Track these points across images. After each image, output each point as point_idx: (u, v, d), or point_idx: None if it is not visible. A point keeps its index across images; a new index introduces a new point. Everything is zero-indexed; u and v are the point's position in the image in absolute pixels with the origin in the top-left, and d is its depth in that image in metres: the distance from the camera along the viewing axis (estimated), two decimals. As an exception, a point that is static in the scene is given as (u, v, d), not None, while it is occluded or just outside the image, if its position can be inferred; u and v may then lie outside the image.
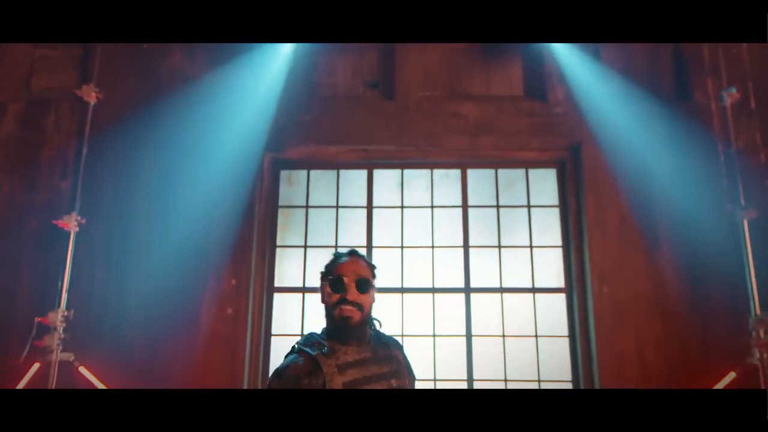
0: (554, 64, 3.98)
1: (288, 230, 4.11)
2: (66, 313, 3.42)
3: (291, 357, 1.54)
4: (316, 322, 4.00)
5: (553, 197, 4.07)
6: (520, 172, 4.13)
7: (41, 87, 4.06)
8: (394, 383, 1.55)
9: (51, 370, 3.30)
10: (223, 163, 3.81)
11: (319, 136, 3.99)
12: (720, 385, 3.28)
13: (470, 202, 4.08)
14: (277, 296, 3.97)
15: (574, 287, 3.84)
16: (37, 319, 3.35)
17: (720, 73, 3.83)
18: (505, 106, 4.01)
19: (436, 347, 3.84)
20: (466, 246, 3.99)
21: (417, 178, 4.16)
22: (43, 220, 3.72)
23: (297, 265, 4.03)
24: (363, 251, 3.94)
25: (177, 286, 3.66)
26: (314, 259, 4.04)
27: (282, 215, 4.13)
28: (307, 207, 4.13)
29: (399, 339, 3.77)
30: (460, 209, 4.07)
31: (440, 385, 3.76)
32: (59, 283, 3.50)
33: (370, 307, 1.60)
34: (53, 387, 3.28)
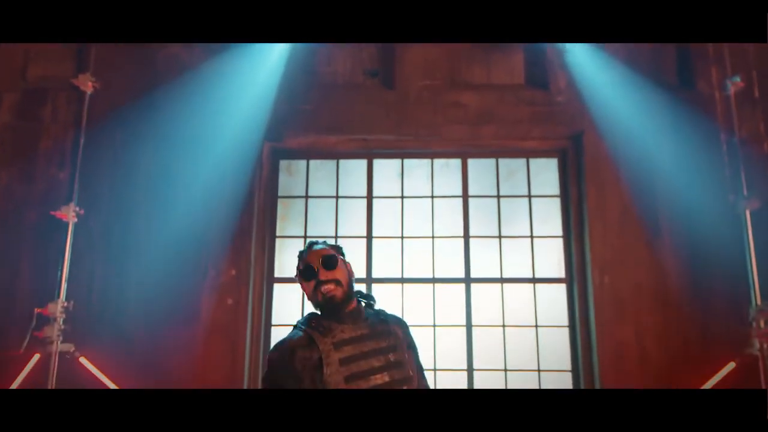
0: (556, 53, 3.93)
1: (288, 220, 4.09)
2: (65, 304, 3.42)
3: (291, 332, 1.63)
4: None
5: (554, 187, 4.05)
6: (520, 162, 4.10)
7: (37, 76, 4.01)
8: (391, 357, 1.59)
9: (51, 361, 3.30)
10: (222, 153, 3.78)
11: (318, 125, 3.95)
12: (719, 376, 3.28)
13: (471, 192, 4.05)
14: (277, 287, 3.97)
15: (575, 277, 3.83)
16: (37, 310, 3.35)
17: (724, 61, 3.78)
18: (506, 95, 3.97)
19: (436, 337, 3.84)
20: (466, 236, 3.98)
21: (417, 167, 4.13)
22: (41, 211, 3.70)
23: (297, 256, 4.01)
24: (363, 241, 3.98)
25: (177, 276, 3.66)
26: (314, 249, 4.02)
27: (281, 205, 4.11)
28: (306, 197, 4.11)
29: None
30: (461, 199, 4.05)
31: (440, 375, 3.77)
32: (58, 274, 3.49)
33: (350, 281, 1.65)
34: (54, 378, 3.29)
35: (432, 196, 4.08)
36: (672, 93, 3.81)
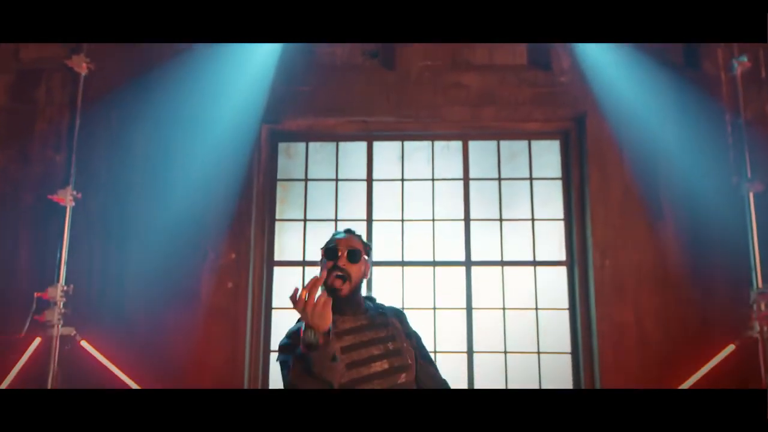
0: (559, 32, 3.85)
1: (287, 203, 4.07)
2: (65, 288, 3.41)
3: (297, 322, 1.70)
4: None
5: (555, 169, 4.01)
6: (522, 144, 4.05)
7: (31, 57, 3.94)
8: (390, 346, 1.65)
9: (52, 345, 3.31)
10: (220, 135, 3.73)
11: (317, 107, 3.90)
12: (719, 358, 3.29)
13: (472, 174, 4.02)
14: (277, 270, 3.96)
15: (576, 260, 3.82)
16: (36, 294, 3.34)
17: (731, 41, 3.71)
18: (508, 76, 3.90)
19: (436, 320, 3.85)
20: (467, 219, 3.96)
21: (417, 150, 4.09)
22: (38, 194, 3.67)
23: (297, 239, 4.01)
24: (363, 224, 3.96)
25: (176, 259, 3.65)
26: (314, 232, 4.01)
27: (281, 188, 4.08)
28: (306, 180, 4.08)
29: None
30: (461, 182, 4.01)
31: (440, 357, 3.79)
32: (57, 258, 3.48)
33: (360, 280, 1.69)
34: (55, 361, 3.30)
35: (432, 179, 4.04)
36: (677, 73, 3.75)
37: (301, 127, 4.01)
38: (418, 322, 3.71)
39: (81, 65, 3.68)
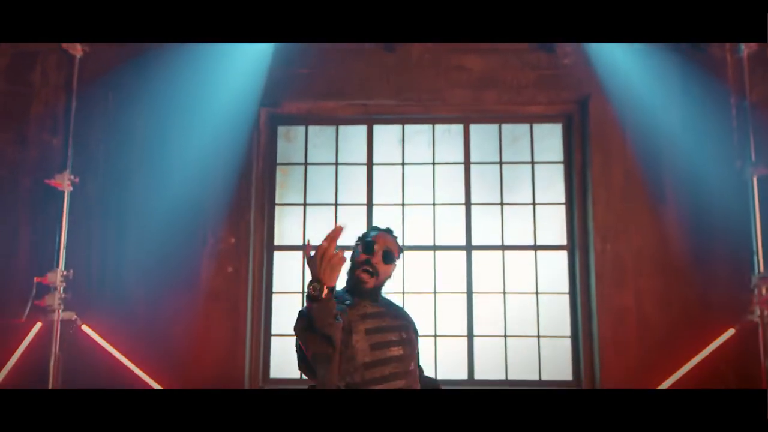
0: (563, 13, 3.78)
1: (287, 188, 4.04)
2: (65, 273, 3.40)
3: None
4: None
5: (557, 153, 3.97)
6: (524, 128, 4.01)
7: (25, 39, 3.87)
8: (404, 335, 1.74)
9: (53, 330, 3.31)
10: (218, 118, 3.69)
11: (316, 90, 3.84)
12: (718, 342, 3.30)
13: (473, 158, 3.98)
14: (277, 254, 3.95)
15: (576, 244, 3.81)
16: (36, 279, 3.33)
17: (737, 21, 3.64)
18: (510, 58, 3.84)
19: (437, 304, 3.85)
20: (467, 203, 3.93)
21: (418, 133, 4.05)
22: (36, 177, 3.65)
23: (297, 224, 3.99)
24: (363, 209, 3.94)
25: (176, 243, 3.64)
26: (314, 217, 3.99)
27: (280, 172, 4.04)
28: (305, 164, 4.04)
29: (400, 296, 3.79)
30: (462, 166, 3.98)
31: (441, 341, 3.80)
32: (56, 243, 3.46)
33: (385, 279, 1.80)
34: (56, 346, 3.31)
35: (433, 163, 4.01)
36: (682, 55, 3.68)
37: (300, 110, 3.96)
38: (418, 307, 3.74)
39: (76, 47, 3.61)
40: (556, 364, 3.76)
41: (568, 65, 3.79)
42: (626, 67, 3.63)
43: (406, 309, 2.07)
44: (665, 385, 3.31)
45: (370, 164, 4.00)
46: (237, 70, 3.69)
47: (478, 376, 3.75)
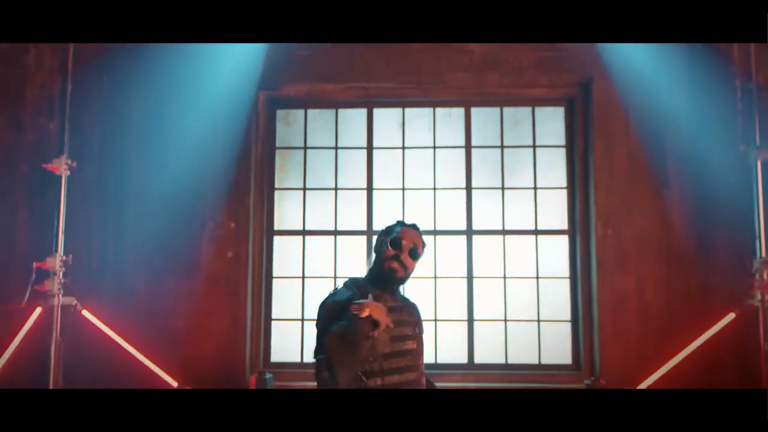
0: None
1: (286, 172, 4.01)
2: (64, 258, 3.39)
3: (341, 289, 1.80)
4: (318, 264, 3.98)
5: (559, 137, 3.93)
6: (526, 111, 3.96)
7: (18, 20, 3.81)
8: (416, 330, 1.84)
9: (54, 315, 3.31)
10: (216, 101, 3.64)
11: (315, 72, 3.78)
12: (719, 326, 3.30)
13: (474, 142, 3.94)
14: (277, 239, 3.94)
15: (578, 229, 3.79)
16: (35, 264, 3.32)
17: (745, 1, 3.57)
18: (512, 39, 3.77)
19: (437, 289, 3.85)
20: (468, 188, 3.90)
21: (419, 117, 4.00)
22: (32, 162, 3.61)
23: (296, 208, 3.96)
24: (363, 193, 3.91)
25: (175, 228, 3.63)
26: (314, 201, 3.96)
27: (279, 157, 4.01)
28: (305, 148, 4.00)
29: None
30: (463, 150, 3.94)
31: (441, 326, 3.80)
32: (55, 227, 3.44)
33: (410, 274, 1.86)
34: (57, 331, 3.31)
35: (434, 147, 3.97)
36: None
37: (299, 93, 3.91)
38: (418, 291, 3.74)
39: (70, 29, 3.55)
40: (556, 349, 3.77)
41: (571, 47, 3.72)
42: (630, 48, 3.56)
43: (408, 294, 2.10)
44: (665, 369, 3.32)
45: (370, 148, 3.96)
46: (234, 52, 3.63)
47: (478, 360, 3.76)
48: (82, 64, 3.64)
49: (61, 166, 3.45)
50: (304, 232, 3.94)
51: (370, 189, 3.93)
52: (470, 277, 3.83)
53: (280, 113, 4.02)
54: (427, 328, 1.89)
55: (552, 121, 3.95)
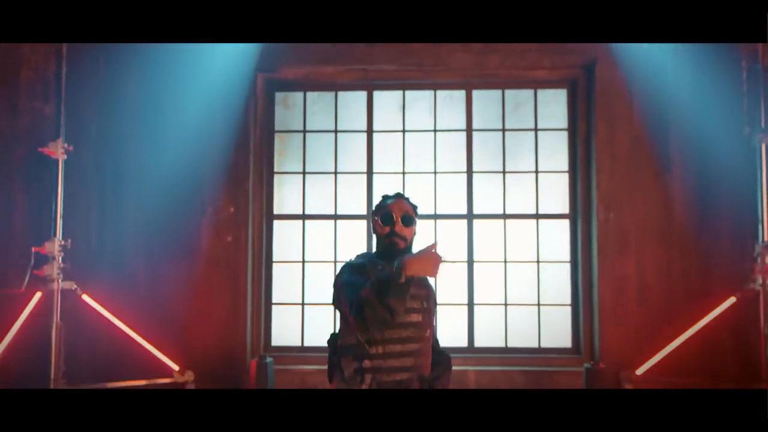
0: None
1: (285, 156, 3.97)
2: (63, 243, 3.37)
3: (355, 260, 1.89)
4: (318, 248, 3.94)
5: (562, 120, 3.89)
6: (528, 93, 3.91)
7: (11, 1, 3.73)
8: (424, 304, 1.83)
9: (54, 299, 3.31)
10: (213, 83, 3.61)
11: (314, 55, 3.72)
12: (719, 310, 3.30)
13: (475, 125, 3.90)
14: (276, 223, 3.92)
15: (579, 213, 3.77)
16: (34, 249, 3.31)
17: (752, -20, 3.49)
18: (515, 19, 3.71)
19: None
20: (469, 171, 3.87)
21: (419, 100, 3.95)
22: (29, 146, 3.57)
23: (296, 192, 3.94)
24: (363, 177, 3.88)
25: (174, 212, 3.61)
26: (313, 185, 3.93)
27: (279, 140, 3.97)
28: (304, 131, 3.96)
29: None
30: (464, 133, 3.90)
31: (441, 309, 3.80)
32: (53, 212, 3.42)
33: (412, 238, 1.90)
34: (57, 315, 3.31)
35: (435, 130, 3.92)
36: (693, 17, 3.55)
37: (298, 75, 3.85)
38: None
39: (64, 9, 3.48)
40: (556, 333, 3.77)
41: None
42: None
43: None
44: (665, 352, 3.33)
45: (370, 131, 3.92)
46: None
47: (478, 344, 3.77)
48: (77, 46, 3.57)
49: (58, 150, 3.42)
50: (303, 217, 3.91)
51: (370, 173, 3.90)
52: (471, 261, 3.82)
53: (279, 96, 3.97)
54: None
55: (554, 104, 3.90)
